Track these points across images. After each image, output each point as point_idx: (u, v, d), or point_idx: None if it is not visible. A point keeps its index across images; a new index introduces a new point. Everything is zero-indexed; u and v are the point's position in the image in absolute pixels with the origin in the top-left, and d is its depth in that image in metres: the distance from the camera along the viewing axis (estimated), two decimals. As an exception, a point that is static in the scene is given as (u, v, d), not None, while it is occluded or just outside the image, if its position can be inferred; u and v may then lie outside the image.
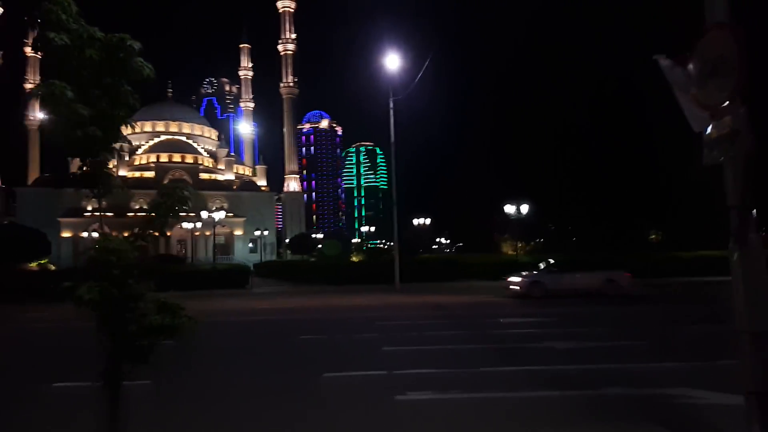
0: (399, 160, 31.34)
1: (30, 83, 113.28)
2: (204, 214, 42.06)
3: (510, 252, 48.09)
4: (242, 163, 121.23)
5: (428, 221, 55.82)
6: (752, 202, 4.84)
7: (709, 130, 5.23)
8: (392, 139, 32.43)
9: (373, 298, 26.77)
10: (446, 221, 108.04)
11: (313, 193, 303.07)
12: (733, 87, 4.79)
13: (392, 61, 31.54)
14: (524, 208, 38.31)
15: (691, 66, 5.32)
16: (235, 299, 28.95)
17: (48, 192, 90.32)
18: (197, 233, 79.58)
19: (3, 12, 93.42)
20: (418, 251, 64.15)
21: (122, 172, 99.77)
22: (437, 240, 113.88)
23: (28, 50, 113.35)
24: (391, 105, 32.14)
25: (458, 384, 8.76)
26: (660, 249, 49.60)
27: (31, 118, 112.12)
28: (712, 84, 5.01)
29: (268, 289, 36.45)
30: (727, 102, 4.86)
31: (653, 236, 61.14)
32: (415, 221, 55.76)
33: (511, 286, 24.73)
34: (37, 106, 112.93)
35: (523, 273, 25.44)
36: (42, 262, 42.49)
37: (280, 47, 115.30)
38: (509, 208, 38.85)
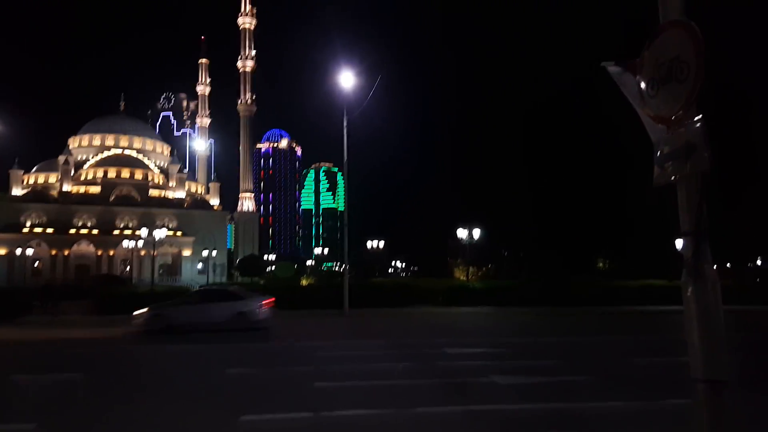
0: (356, 181, 30.71)
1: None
2: (144, 232, 39.89)
3: (462, 277, 47.72)
4: (195, 181, 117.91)
5: (382, 244, 55.02)
6: (707, 228, 4.12)
7: (660, 145, 4.57)
8: (345, 158, 31.63)
9: (319, 324, 25.56)
10: (402, 245, 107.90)
11: (270, 214, 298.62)
12: (688, 94, 4.10)
13: (347, 79, 30.89)
14: (476, 233, 38.05)
15: (644, 71, 4.66)
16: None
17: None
18: (143, 252, 76.12)
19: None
20: (373, 275, 63.16)
21: (66, 187, 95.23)
22: (393, 264, 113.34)
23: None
24: (345, 123, 31.42)
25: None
26: (609, 276, 50.30)
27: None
28: (665, 91, 4.33)
29: (211, 312, 34.52)
30: (681, 111, 4.17)
31: (600, 264, 62.17)
32: (369, 244, 54.86)
33: (134, 321, 21.67)
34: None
35: (158, 304, 22.79)
36: (-38, 280, 39.19)
37: (239, 64, 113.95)
38: (461, 233, 38.52)
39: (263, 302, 22.61)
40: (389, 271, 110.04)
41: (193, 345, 18.24)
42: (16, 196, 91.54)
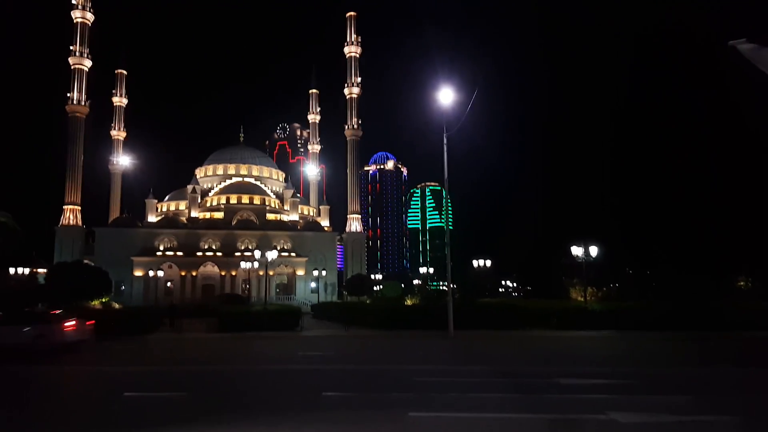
0: (461, 199, 29.88)
1: (115, 130, 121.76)
2: (258, 254, 41.92)
3: (579, 298, 44.36)
4: (308, 204, 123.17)
5: (489, 263, 53.02)
6: None
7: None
8: (446, 175, 30.92)
9: (420, 346, 24.77)
10: (512, 263, 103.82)
11: (378, 234, 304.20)
12: None
13: (445, 96, 30.36)
14: (593, 250, 35.20)
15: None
16: (281, 343, 27.79)
17: (123, 232, 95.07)
18: (260, 272, 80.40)
19: (92, 65, 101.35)
20: (482, 295, 61.02)
21: (194, 213, 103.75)
22: (503, 283, 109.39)
23: (114, 99, 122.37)
24: (445, 140, 30.80)
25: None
26: (751, 297, 44.22)
27: (115, 162, 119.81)
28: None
29: (319, 332, 35.15)
30: None
31: (742, 283, 55.05)
32: (475, 262, 53.13)
33: None
34: (121, 152, 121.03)
35: None
36: (104, 300, 43.67)
37: (345, 91, 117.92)
38: (576, 250, 35.84)
39: (67, 324, 22.42)
40: (499, 290, 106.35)
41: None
42: (151, 223, 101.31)
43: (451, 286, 33.17)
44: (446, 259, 31.84)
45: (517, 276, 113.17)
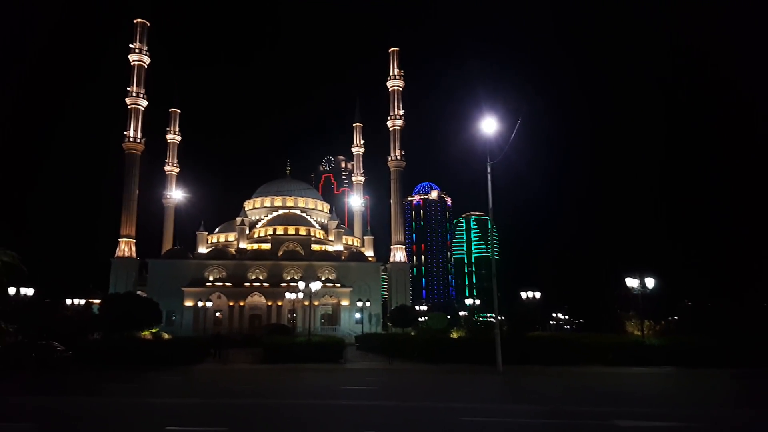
0: (506, 228, 29.26)
1: (169, 165, 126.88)
2: (301, 285, 42.03)
3: (636, 332, 42.07)
4: (351, 235, 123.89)
5: (538, 295, 51.27)
6: None
7: None
8: (490, 204, 30.26)
9: (467, 382, 23.80)
10: (562, 295, 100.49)
11: (423, 265, 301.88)
12: None
13: (489, 125, 29.95)
14: (649, 282, 33.44)
15: None
16: (323, 375, 27.38)
17: (175, 263, 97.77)
18: (305, 303, 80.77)
19: (147, 104, 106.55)
20: (531, 328, 58.77)
21: (242, 245, 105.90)
22: (554, 315, 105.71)
23: (168, 137, 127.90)
24: (489, 170, 30.26)
25: None
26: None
27: (168, 196, 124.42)
28: None
29: (362, 364, 34.56)
30: None
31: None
32: (523, 294, 51.50)
33: None
34: (174, 186, 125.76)
35: None
36: (154, 330, 44.59)
37: (388, 123, 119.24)
38: (631, 282, 34.14)
39: None
40: (550, 323, 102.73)
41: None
42: (201, 254, 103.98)
43: (499, 318, 32.08)
44: (493, 290, 30.88)
45: (568, 308, 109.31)
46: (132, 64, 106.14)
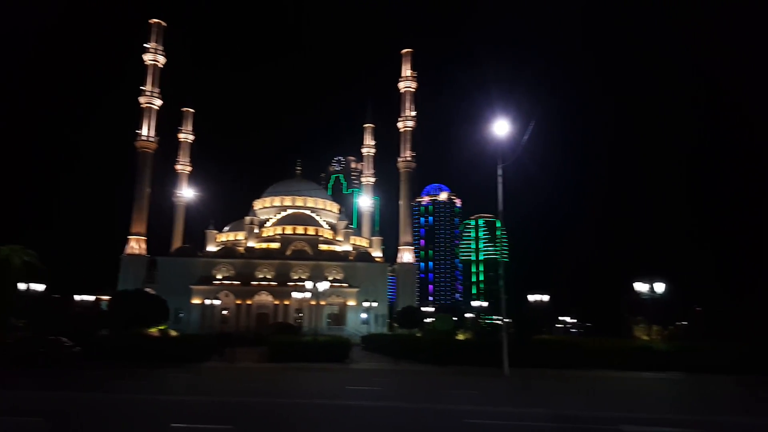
0: (516, 231, 28.98)
1: (181, 164, 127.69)
2: (309, 284, 42.07)
3: (644, 337, 41.84)
4: (360, 235, 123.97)
5: (546, 298, 51.02)
6: None
7: None
8: (500, 207, 30.17)
9: (474, 384, 23.72)
10: (571, 298, 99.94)
11: (431, 266, 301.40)
12: None
13: (501, 128, 29.90)
14: (659, 287, 33.16)
15: None
16: (329, 375, 27.43)
17: (184, 261, 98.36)
18: (313, 302, 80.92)
19: (162, 104, 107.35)
20: (539, 331, 58.47)
21: (251, 244, 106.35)
22: (561, 319, 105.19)
23: (180, 136, 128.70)
24: (499, 172, 30.18)
25: None
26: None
27: (179, 195, 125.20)
28: None
29: (367, 365, 34.57)
30: None
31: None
32: (531, 297, 51.27)
33: None
34: (185, 184, 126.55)
35: None
36: (161, 327, 44.82)
37: (399, 124, 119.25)
38: (641, 286, 33.88)
39: None
40: (557, 326, 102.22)
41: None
42: (210, 253, 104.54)
43: (506, 320, 31.96)
44: (500, 292, 30.78)
45: (576, 312, 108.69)
46: (147, 63, 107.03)
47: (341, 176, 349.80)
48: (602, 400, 19.53)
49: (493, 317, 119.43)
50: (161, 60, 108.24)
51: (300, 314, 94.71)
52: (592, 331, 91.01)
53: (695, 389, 23.30)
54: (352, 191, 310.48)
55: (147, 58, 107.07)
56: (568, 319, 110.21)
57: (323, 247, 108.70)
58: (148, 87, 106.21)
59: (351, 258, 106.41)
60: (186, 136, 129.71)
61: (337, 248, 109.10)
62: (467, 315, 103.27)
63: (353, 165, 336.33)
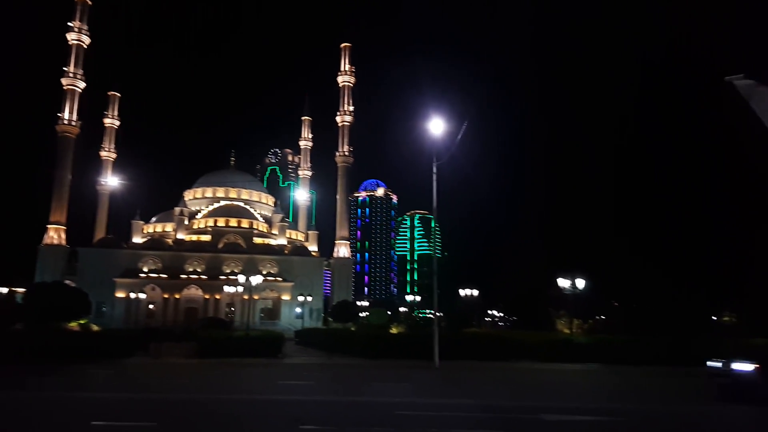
0: (450, 228, 29.73)
1: (105, 151, 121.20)
2: (241, 278, 41.26)
3: (565, 330, 44.10)
4: (296, 229, 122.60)
5: (476, 293, 52.70)
6: None
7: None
8: (434, 203, 30.83)
9: (406, 376, 24.20)
10: (499, 293, 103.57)
11: (366, 261, 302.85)
12: None
13: (436, 126, 30.49)
14: (580, 283, 35.05)
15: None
16: (261, 370, 27.09)
17: (108, 253, 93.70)
18: (245, 297, 79.36)
19: (85, 86, 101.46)
20: (469, 324, 60.52)
21: (180, 236, 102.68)
22: (490, 313, 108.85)
23: (106, 121, 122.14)
24: (434, 169, 30.80)
25: None
26: (737, 332, 44.19)
27: (103, 183, 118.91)
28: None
29: (301, 359, 34.42)
30: None
31: (726, 318, 55.19)
32: (462, 292, 52.79)
33: None
34: (110, 172, 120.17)
35: None
36: (82, 322, 42.59)
37: (338, 119, 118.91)
38: (563, 282, 35.68)
39: None
40: (486, 319, 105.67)
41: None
42: (136, 244, 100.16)
43: (438, 314, 32.75)
44: (433, 287, 31.49)
45: (503, 306, 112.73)
46: (70, 43, 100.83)
47: (277, 169, 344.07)
48: (526, 391, 20.48)
49: (427, 311, 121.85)
50: (86, 40, 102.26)
51: (232, 309, 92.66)
52: (518, 325, 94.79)
53: (610, 379, 24.88)
54: (289, 184, 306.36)
55: (71, 37, 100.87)
56: (496, 312, 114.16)
57: (258, 240, 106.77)
58: (71, 68, 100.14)
59: (286, 252, 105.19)
60: (112, 121, 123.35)
61: (272, 242, 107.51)
62: (401, 309, 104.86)
63: (290, 158, 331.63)
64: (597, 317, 55.14)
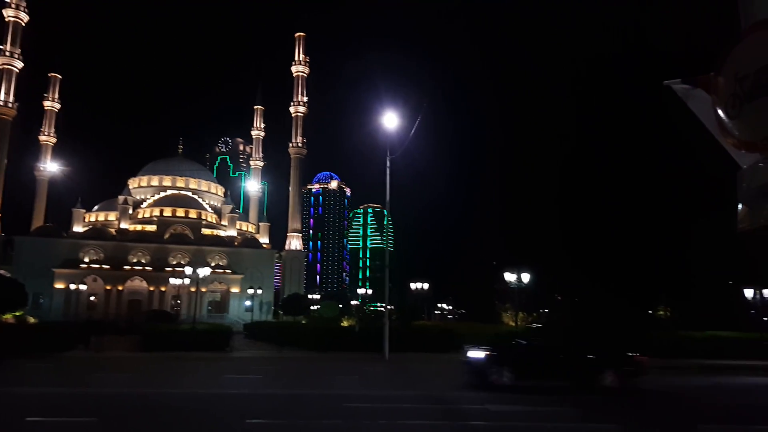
0: (402, 223, 30.01)
1: (45, 135, 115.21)
2: (189, 270, 40.26)
3: (510, 323, 45.47)
4: (247, 221, 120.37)
5: (426, 286, 53.45)
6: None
7: (746, 177, 3.52)
8: (387, 197, 31.05)
9: (356, 369, 24.36)
10: (449, 286, 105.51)
11: (319, 254, 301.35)
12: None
13: (390, 120, 30.63)
14: (525, 277, 36.11)
15: (720, 87, 3.69)
16: (208, 364, 26.62)
17: (46, 242, 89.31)
18: (192, 289, 77.48)
19: (23, 66, 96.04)
20: (419, 317, 61.42)
21: (124, 225, 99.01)
22: (439, 306, 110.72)
23: (46, 104, 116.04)
24: (388, 164, 30.99)
25: None
26: (671, 326, 46.84)
27: (42, 168, 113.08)
28: (752, 109, 3.33)
29: (250, 353, 34.03)
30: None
31: (661, 312, 58.36)
32: (413, 285, 53.45)
33: None
34: (49, 157, 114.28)
35: None
36: (17, 314, 40.51)
37: (291, 109, 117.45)
38: (509, 276, 36.69)
39: None
40: (435, 313, 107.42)
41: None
42: (76, 233, 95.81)
43: (389, 307, 33.05)
44: (384, 280, 31.75)
45: (453, 300, 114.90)
46: (7, 20, 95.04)
47: (228, 158, 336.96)
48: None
49: (378, 304, 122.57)
50: (24, 17, 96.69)
51: (178, 302, 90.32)
52: (466, 317, 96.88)
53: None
54: (240, 174, 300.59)
55: (7, 13, 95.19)
56: (446, 306, 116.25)
57: (206, 231, 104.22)
58: (7, 46, 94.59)
59: (236, 244, 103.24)
60: (52, 104, 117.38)
61: (222, 233, 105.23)
62: (353, 302, 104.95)
63: (242, 148, 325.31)
64: (541, 310, 57.08)
